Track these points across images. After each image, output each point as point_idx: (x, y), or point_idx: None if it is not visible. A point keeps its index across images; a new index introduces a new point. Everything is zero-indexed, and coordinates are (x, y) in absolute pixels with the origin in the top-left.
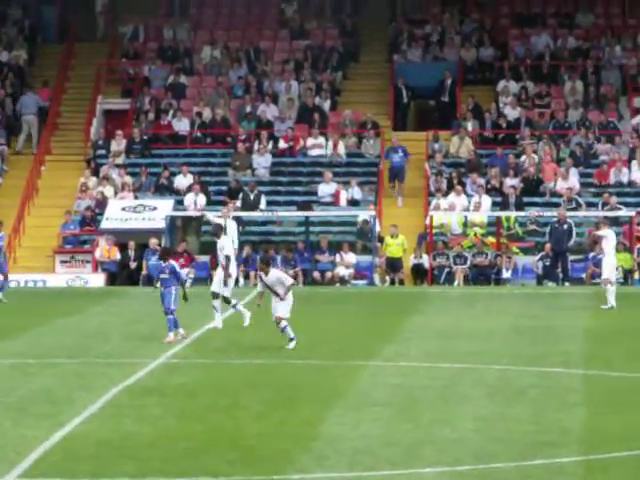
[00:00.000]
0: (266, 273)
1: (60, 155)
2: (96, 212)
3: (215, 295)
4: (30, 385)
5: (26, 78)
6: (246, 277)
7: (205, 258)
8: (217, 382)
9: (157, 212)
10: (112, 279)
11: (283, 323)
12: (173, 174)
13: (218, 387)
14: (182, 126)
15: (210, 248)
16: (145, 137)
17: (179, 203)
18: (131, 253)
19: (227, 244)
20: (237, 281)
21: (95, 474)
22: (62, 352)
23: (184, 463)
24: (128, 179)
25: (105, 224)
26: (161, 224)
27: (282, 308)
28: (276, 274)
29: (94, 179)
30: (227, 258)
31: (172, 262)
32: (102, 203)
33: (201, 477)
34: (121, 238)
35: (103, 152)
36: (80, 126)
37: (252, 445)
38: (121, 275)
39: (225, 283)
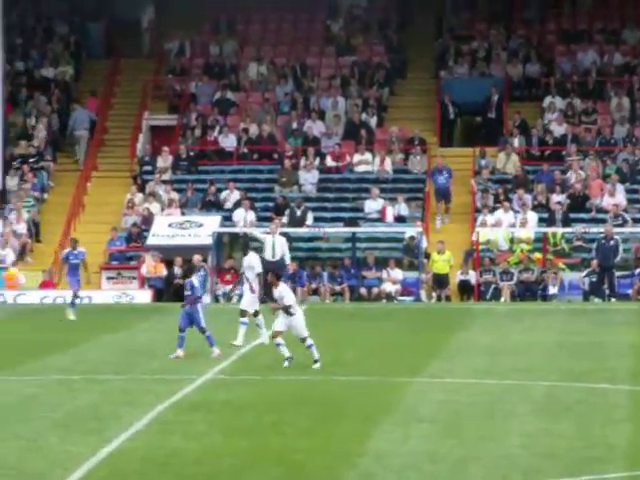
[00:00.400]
0: (275, 287)
1: (106, 171)
2: (142, 228)
3: (243, 313)
4: (76, 401)
5: (72, 94)
6: (293, 293)
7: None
8: (263, 398)
9: (204, 228)
10: (158, 295)
11: (277, 340)
12: (220, 190)
13: (264, 403)
14: (229, 142)
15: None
16: (191, 153)
17: (226, 219)
18: (177, 269)
19: (257, 261)
20: None
21: None
22: (108, 368)
23: None
24: (174, 195)
25: (151, 240)
26: (208, 240)
27: (299, 326)
28: (281, 291)
29: (140, 195)
30: (259, 275)
31: (192, 279)
32: (148, 219)
33: None
34: (167, 254)
35: (149, 168)
36: (126, 142)
37: (298, 461)
38: (167, 291)
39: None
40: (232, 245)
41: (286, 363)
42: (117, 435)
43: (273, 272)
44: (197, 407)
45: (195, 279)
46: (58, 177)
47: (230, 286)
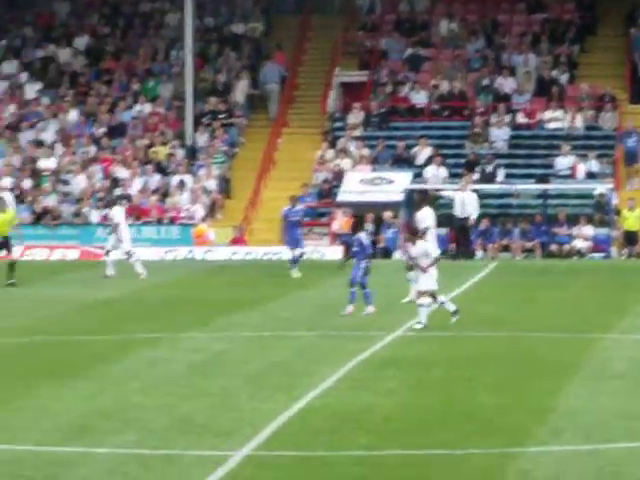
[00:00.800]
0: (413, 243)
1: (297, 128)
2: (333, 184)
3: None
4: (267, 358)
5: (262, 50)
6: (484, 250)
7: (443, 231)
8: (453, 354)
9: (394, 185)
10: (349, 251)
11: (422, 300)
12: (410, 147)
13: (454, 359)
14: (419, 99)
15: (447, 222)
16: (382, 110)
17: (417, 176)
18: (369, 226)
19: (430, 217)
20: (474, 254)
21: (331, 447)
22: (299, 325)
23: (420, 436)
24: (365, 152)
25: (342, 197)
26: (398, 197)
27: (424, 281)
28: (424, 246)
29: (331, 152)
30: (425, 229)
31: (360, 235)
32: (339, 176)
33: (437, 450)
34: (358, 210)
35: (340, 125)
36: (317, 98)
37: (488, 417)
38: None
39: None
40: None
41: (418, 325)
42: (307, 392)
43: (410, 230)
44: (387, 364)
45: (364, 236)
46: (248, 133)
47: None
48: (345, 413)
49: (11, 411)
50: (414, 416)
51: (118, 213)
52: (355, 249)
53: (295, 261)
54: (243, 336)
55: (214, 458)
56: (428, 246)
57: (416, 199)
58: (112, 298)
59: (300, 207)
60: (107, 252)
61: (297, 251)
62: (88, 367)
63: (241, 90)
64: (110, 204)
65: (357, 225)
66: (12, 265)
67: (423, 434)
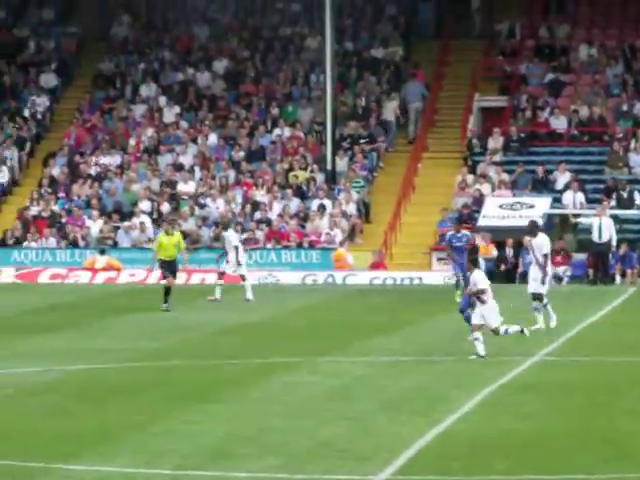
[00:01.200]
0: (470, 272)
1: (436, 152)
2: (473, 209)
3: (535, 296)
4: (405, 382)
5: (402, 74)
6: (622, 275)
7: (582, 256)
8: (594, 379)
9: (534, 210)
10: (490, 276)
11: (475, 334)
12: (550, 172)
13: (595, 384)
14: (559, 124)
15: (586, 247)
16: (522, 135)
17: (556, 201)
18: (509, 251)
19: (547, 243)
20: (613, 279)
21: (469, 472)
22: (438, 349)
23: (558, 461)
24: (505, 176)
25: (482, 221)
26: (538, 221)
27: (489, 316)
28: (475, 276)
29: (471, 176)
30: (545, 256)
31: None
32: (479, 200)
33: (575, 475)
34: (498, 236)
35: (480, 149)
36: (457, 123)
37: (627, 443)
38: (498, 272)
39: (543, 281)
40: (562, 226)
41: (473, 356)
42: (446, 416)
43: (469, 259)
44: (526, 388)
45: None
46: (388, 157)
47: (562, 268)
48: (483, 438)
49: (150, 435)
50: (552, 441)
51: (234, 236)
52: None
53: (459, 286)
54: (382, 360)
55: None
56: (478, 277)
57: (529, 226)
58: (252, 322)
59: (464, 232)
60: (222, 275)
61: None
62: (228, 391)
63: (391, 109)
64: (226, 226)
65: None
66: (168, 290)
67: (562, 458)
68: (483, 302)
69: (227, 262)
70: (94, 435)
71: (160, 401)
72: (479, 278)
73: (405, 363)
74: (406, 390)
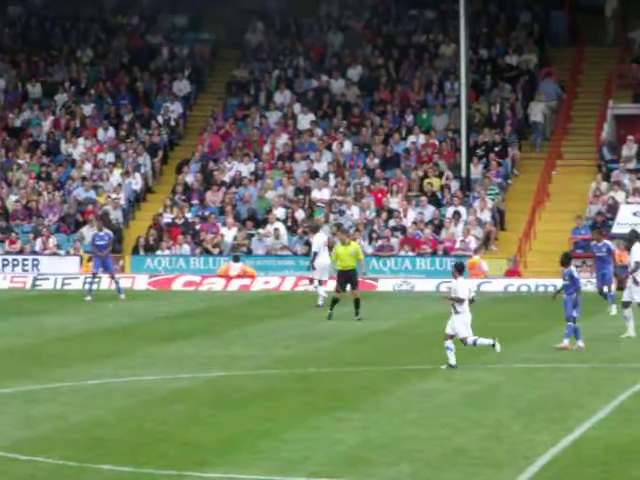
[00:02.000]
0: (455, 278)
1: (571, 159)
2: (607, 217)
3: (626, 304)
4: (540, 390)
5: (536, 82)
6: None
7: None
8: None
9: None
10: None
11: (470, 339)
12: None
13: None
14: None
15: None
16: None
17: None
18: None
19: (637, 251)
20: None
21: (604, 479)
22: (572, 357)
23: None
24: (639, 184)
25: (616, 229)
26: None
27: (459, 327)
28: (458, 284)
29: (605, 184)
30: (637, 264)
31: (571, 268)
32: (613, 208)
33: None
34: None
35: (614, 157)
36: (591, 131)
37: None
38: None
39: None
40: None
41: (444, 366)
42: (580, 424)
43: (455, 265)
44: None
45: (575, 269)
46: (522, 165)
47: None
48: (618, 445)
49: (285, 442)
50: None
51: (319, 239)
52: (565, 282)
53: (607, 297)
54: (516, 368)
55: None
56: (459, 286)
57: (628, 235)
58: (385, 330)
59: (605, 242)
60: (313, 281)
61: (605, 287)
62: (362, 398)
63: (538, 110)
64: (315, 230)
65: (567, 259)
66: (357, 301)
67: None
68: (457, 312)
69: (313, 268)
70: (228, 442)
71: (295, 408)
72: (461, 287)
73: (539, 370)
74: (540, 397)
